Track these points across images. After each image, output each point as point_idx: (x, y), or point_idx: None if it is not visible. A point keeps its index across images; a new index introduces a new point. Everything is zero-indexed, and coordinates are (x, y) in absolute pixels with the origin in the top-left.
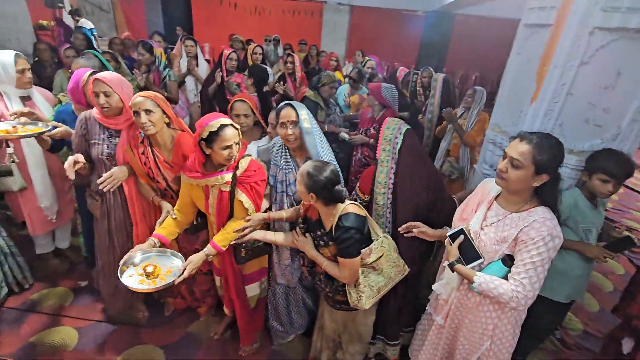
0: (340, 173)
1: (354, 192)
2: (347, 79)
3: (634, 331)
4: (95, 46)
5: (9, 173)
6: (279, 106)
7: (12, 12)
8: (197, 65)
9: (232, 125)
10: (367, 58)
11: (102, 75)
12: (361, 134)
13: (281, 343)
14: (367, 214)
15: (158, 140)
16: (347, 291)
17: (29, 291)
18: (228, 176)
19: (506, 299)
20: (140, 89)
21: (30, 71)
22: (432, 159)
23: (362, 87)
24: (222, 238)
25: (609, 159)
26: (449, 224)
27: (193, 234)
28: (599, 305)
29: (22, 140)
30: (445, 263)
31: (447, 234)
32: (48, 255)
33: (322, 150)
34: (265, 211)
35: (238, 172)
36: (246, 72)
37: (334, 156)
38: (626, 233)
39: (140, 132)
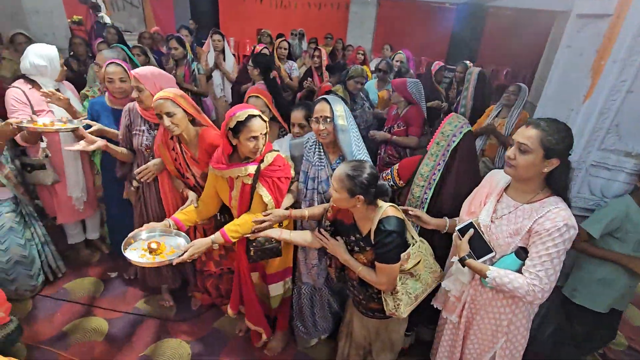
0: None
1: (385, 173)
2: (375, 72)
3: None
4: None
5: (42, 167)
6: (315, 100)
7: (47, 7)
8: (224, 59)
9: (260, 116)
10: (399, 52)
11: (135, 71)
12: (384, 131)
13: (305, 347)
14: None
15: (185, 137)
16: (383, 298)
17: (62, 280)
18: (252, 168)
19: (522, 293)
20: None
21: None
22: None
23: (390, 80)
24: (234, 228)
25: None
26: None
27: None
28: None
29: (60, 134)
30: (454, 258)
31: (456, 228)
32: (80, 245)
33: (358, 149)
34: (286, 208)
35: (262, 166)
36: (250, 63)
37: (369, 155)
38: None
39: None
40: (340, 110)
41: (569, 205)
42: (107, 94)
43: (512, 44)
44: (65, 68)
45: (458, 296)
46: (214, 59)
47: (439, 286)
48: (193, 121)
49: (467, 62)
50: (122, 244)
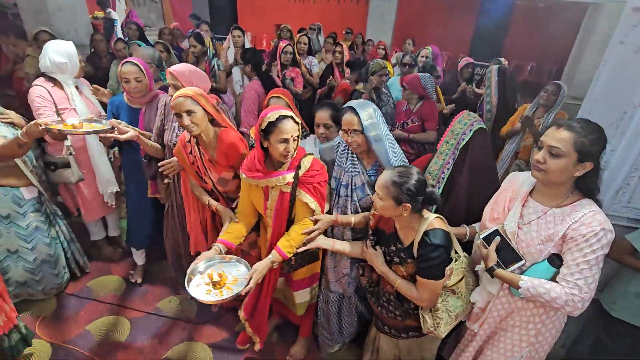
0: None
1: None
2: (400, 66)
3: None
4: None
5: (67, 165)
6: (343, 108)
7: (70, 4)
8: None
9: (292, 118)
10: (426, 47)
11: (172, 68)
12: (397, 128)
13: (328, 352)
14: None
15: (203, 138)
16: (421, 315)
17: (85, 278)
18: (290, 176)
19: (560, 303)
20: None
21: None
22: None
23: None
24: (288, 244)
25: None
26: None
27: None
28: None
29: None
30: (478, 267)
31: (480, 236)
32: (102, 242)
33: (394, 155)
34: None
35: (300, 172)
36: (242, 60)
37: (407, 159)
38: None
39: (186, 132)
40: (371, 117)
41: (600, 207)
42: (125, 92)
43: (538, 38)
44: (83, 64)
45: (483, 307)
46: (233, 55)
47: None
48: (212, 122)
49: (501, 58)
50: (185, 280)
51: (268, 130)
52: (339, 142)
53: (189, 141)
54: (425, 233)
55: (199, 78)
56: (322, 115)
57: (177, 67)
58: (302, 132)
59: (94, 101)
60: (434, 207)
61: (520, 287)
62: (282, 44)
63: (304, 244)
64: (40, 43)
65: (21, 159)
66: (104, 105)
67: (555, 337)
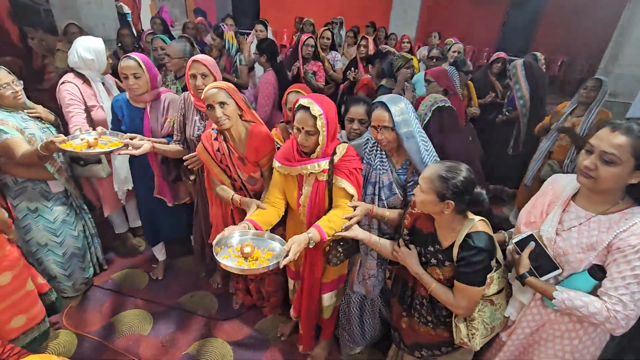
0: None
1: None
2: (426, 61)
3: None
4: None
5: (98, 161)
6: (373, 104)
7: None
8: None
9: (309, 109)
10: (452, 41)
11: (200, 56)
12: None
13: (349, 354)
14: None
15: (233, 134)
16: (454, 324)
17: (110, 270)
18: (325, 163)
19: (600, 319)
20: None
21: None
22: (524, 158)
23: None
24: (329, 225)
25: None
26: None
27: None
28: None
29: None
30: (508, 275)
31: (513, 241)
32: (126, 235)
33: (427, 154)
34: None
35: (335, 158)
36: (256, 50)
37: (438, 158)
38: None
39: (212, 129)
40: (402, 113)
41: None
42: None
43: (572, 32)
44: (110, 61)
45: (514, 318)
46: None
47: None
48: (240, 117)
49: (537, 53)
50: (212, 250)
51: (293, 117)
52: (368, 139)
53: (216, 139)
54: (468, 235)
55: (218, 70)
56: (358, 111)
57: (204, 57)
58: None
59: (115, 93)
60: None
61: (554, 298)
62: (303, 37)
63: (343, 230)
64: (69, 36)
65: None
66: None
67: (595, 357)
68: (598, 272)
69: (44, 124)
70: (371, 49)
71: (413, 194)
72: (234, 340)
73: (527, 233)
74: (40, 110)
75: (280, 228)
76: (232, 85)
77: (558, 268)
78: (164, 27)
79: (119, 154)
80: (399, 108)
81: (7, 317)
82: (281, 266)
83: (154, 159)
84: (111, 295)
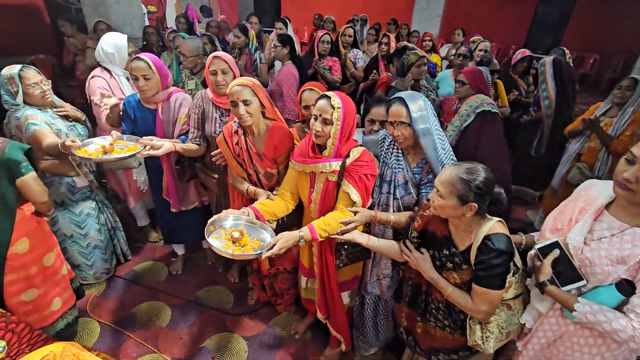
0: None
1: None
2: (456, 58)
3: None
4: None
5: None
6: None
7: None
8: None
9: (329, 97)
10: (479, 39)
11: (220, 53)
12: (444, 129)
13: (363, 355)
14: None
15: (253, 130)
16: (468, 325)
17: (132, 262)
18: (336, 164)
19: (624, 337)
20: None
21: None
22: (548, 159)
23: None
24: (323, 227)
25: None
26: None
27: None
28: None
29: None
30: (528, 281)
31: (536, 247)
32: (148, 228)
33: (444, 152)
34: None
35: (348, 161)
36: (279, 42)
37: (456, 158)
38: None
39: (234, 122)
40: (420, 109)
41: None
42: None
43: (605, 28)
44: (132, 57)
45: (530, 327)
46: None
47: None
48: (263, 114)
49: (564, 49)
50: (205, 229)
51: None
52: (384, 137)
53: (236, 132)
54: (487, 237)
55: (237, 67)
56: (380, 112)
57: (224, 53)
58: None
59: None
60: None
61: (575, 310)
62: (319, 33)
63: (338, 234)
64: (98, 34)
65: None
66: None
67: None
68: (627, 287)
69: (71, 122)
70: (393, 47)
71: (427, 195)
72: (248, 335)
73: (552, 240)
74: (68, 108)
75: (295, 227)
76: (258, 82)
77: (582, 279)
78: (189, 26)
79: (141, 156)
80: (417, 104)
81: (49, 299)
82: (262, 257)
83: (165, 159)
84: (133, 286)
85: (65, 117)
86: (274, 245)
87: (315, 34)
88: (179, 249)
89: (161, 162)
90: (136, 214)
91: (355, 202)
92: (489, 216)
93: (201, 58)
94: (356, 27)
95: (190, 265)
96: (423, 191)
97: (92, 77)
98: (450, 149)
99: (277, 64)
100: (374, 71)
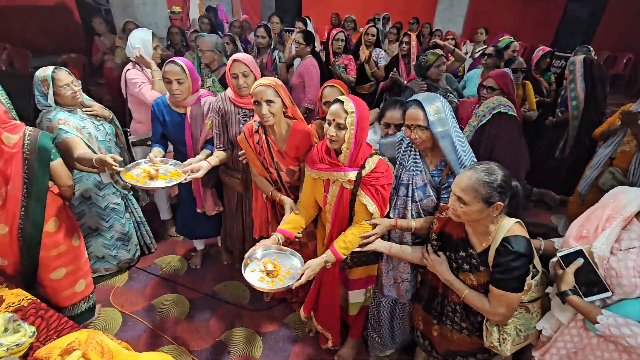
0: None
1: None
2: (485, 57)
3: None
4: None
5: None
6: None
7: None
8: None
9: (340, 100)
10: (509, 38)
11: (240, 56)
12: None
13: (378, 356)
14: None
15: (274, 129)
16: (485, 327)
17: (153, 255)
18: (352, 174)
19: None
20: None
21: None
22: (573, 162)
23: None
24: (344, 246)
25: None
26: None
27: None
28: None
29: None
30: (549, 289)
31: (558, 254)
32: (170, 222)
33: (464, 154)
34: (386, 216)
35: (364, 172)
36: (302, 39)
37: (476, 159)
38: None
39: (254, 121)
40: (438, 112)
41: None
42: (167, 93)
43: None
44: (157, 51)
45: (551, 336)
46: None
47: None
48: (284, 114)
49: (589, 47)
50: (242, 264)
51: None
52: (402, 139)
53: (257, 131)
54: (506, 239)
55: (257, 68)
56: (394, 115)
57: (244, 56)
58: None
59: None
60: None
61: (598, 322)
62: (334, 32)
63: (361, 246)
64: (127, 33)
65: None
66: None
67: None
68: None
69: (99, 120)
70: (414, 46)
71: (446, 198)
72: (264, 331)
73: (576, 247)
74: (97, 107)
75: (311, 224)
76: (280, 82)
77: (607, 290)
78: (212, 26)
79: (185, 182)
80: (435, 107)
81: (75, 279)
82: (293, 287)
83: None
84: (153, 279)
85: (94, 116)
86: (302, 274)
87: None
88: (199, 244)
89: None
90: (160, 207)
91: (372, 214)
92: (506, 217)
93: (218, 55)
94: (378, 26)
95: (209, 260)
96: (444, 196)
97: (127, 70)
98: (470, 149)
99: (296, 62)
100: (394, 69)
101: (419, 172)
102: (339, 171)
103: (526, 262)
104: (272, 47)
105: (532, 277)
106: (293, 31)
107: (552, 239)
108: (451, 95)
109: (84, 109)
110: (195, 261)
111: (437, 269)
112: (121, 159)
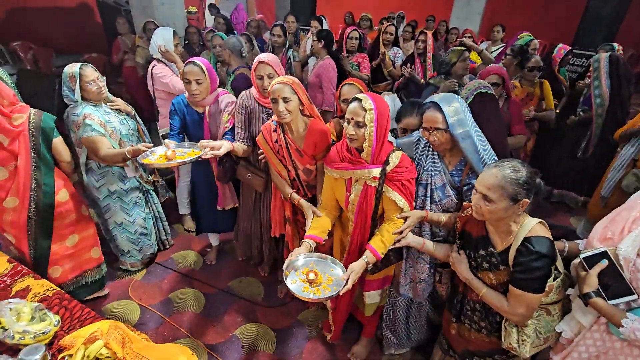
0: None
1: None
2: (505, 56)
3: None
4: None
5: None
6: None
7: None
8: None
9: (358, 98)
10: (528, 35)
11: (265, 58)
12: None
13: (393, 354)
14: None
15: (292, 127)
16: (503, 327)
17: (170, 251)
18: (376, 171)
19: None
20: None
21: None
22: (595, 162)
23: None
24: (382, 245)
25: None
26: None
27: None
28: None
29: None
30: (570, 291)
31: (581, 255)
32: (187, 218)
33: (485, 153)
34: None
35: (388, 168)
36: (315, 37)
37: (497, 157)
38: None
39: (272, 121)
40: (457, 113)
41: None
42: (187, 93)
43: None
44: (178, 48)
45: (571, 339)
46: (311, 45)
47: None
48: (301, 112)
49: (615, 44)
50: (283, 274)
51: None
52: (419, 139)
53: (275, 130)
54: (527, 240)
55: (281, 67)
56: (411, 121)
57: (269, 57)
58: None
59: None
60: None
61: (622, 326)
62: (348, 30)
63: (395, 243)
64: (148, 32)
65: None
66: None
67: None
68: None
69: (122, 115)
70: (430, 45)
71: (469, 198)
72: (277, 327)
73: (600, 249)
74: (120, 102)
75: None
76: (298, 81)
77: (633, 293)
78: (227, 26)
79: (205, 158)
80: (453, 108)
81: (89, 245)
82: (341, 293)
83: (213, 160)
84: (170, 273)
85: (117, 111)
86: (347, 280)
87: (343, 32)
88: (214, 240)
89: (210, 161)
90: (180, 201)
91: (402, 209)
92: (528, 216)
93: (236, 57)
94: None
95: (224, 256)
96: (467, 196)
97: (153, 66)
98: (490, 147)
99: (311, 61)
100: (408, 64)
101: (437, 173)
102: (362, 169)
103: (548, 262)
104: (287, 46)
105: (554, 279)
106: (308, 30)
107: (576, 241)
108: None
109: (108, 104)
110: (210, 257)
111: (456, 267)
112: (152, 144)
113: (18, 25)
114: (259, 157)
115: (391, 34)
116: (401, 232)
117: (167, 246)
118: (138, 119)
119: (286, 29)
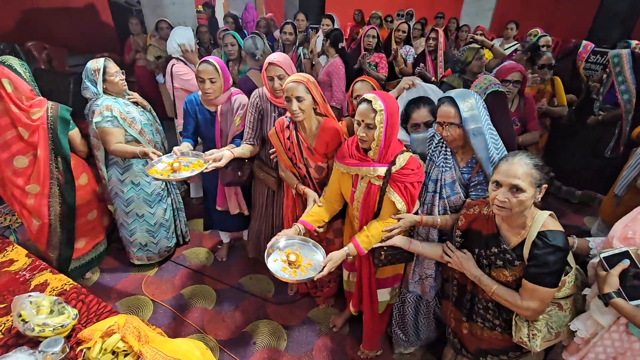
0: None
1: None
2: (517, 54)
3: None
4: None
5: None
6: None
7: None
8: None
9: (367, 100)
10: (538, 32)
11: (276, 60)
12: None
13: (402, 353)
14: None
15: (305, 125)
16: (514, 321)
17: (182, 247)
18: (382, 170)
19: None
20: None
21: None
22: (620, 161)
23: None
24: (366, 240)
25: None
26: None
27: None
28: None
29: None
30: (586, 291)
31: (601, 255)
32: (197, 201)
33: (496, 150)
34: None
35: (393, 168)
36: (325, 36)
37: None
38: None
39: (285, 117)
40: (472, 108)
41: None
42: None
43: None
44: (196, 49)
45: (586, 339)
46: (321, 43)
47: None
48: (315, 110)
49: (632, 41)
50: (265, 253)
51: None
52: (433, 135)
53: (288, 127)
54: (542, 234)
55: (292, 65)
56: (420, 114)
57: (280, 59)
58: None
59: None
60: None
61: None
62: (365, 28)
63: (382, 240)
64: (160, 31)
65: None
66: None
67: None
68: None
69: (138, 107)
70: (441, 42)
71: (476, 197)
72: (288, 324)
73: (621, 249)
74: (137, 96)
75: (339, 221)
76: (312, 79)
77: None
78: (237, 25)
79: (207, 171)
80: (468, 103)
81: (102, 214)
82: (315, 279)
83: None
84: (182, 269)
85: (135, 104)
86: (324, 266)
87: (352, 30)
88: (225, 238)
89: None
90: (194, 186)
91: (399, 211)
92: (538, 210)
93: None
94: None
95: (235, 253)
96: (473, 194)
97: (173, 64)
98: (503, 146)
99: (322, 59)
100: (420, 64)
101: (448, 169)
102: (367, 167)
103: (563, 256)
104: (297, 44)
105: (566, 274)
106: (318, 29)
107: (586, 238)
108: None
109: (127, 97)
110: (221, 254)
111: (463, 266)
112: (161, 153)
113: (32, 26)
114: (271, 156)
115: (404, 32)
116: (390, 231)
117: (186, 240)
118: (154, 113)
119: (296, 27)
